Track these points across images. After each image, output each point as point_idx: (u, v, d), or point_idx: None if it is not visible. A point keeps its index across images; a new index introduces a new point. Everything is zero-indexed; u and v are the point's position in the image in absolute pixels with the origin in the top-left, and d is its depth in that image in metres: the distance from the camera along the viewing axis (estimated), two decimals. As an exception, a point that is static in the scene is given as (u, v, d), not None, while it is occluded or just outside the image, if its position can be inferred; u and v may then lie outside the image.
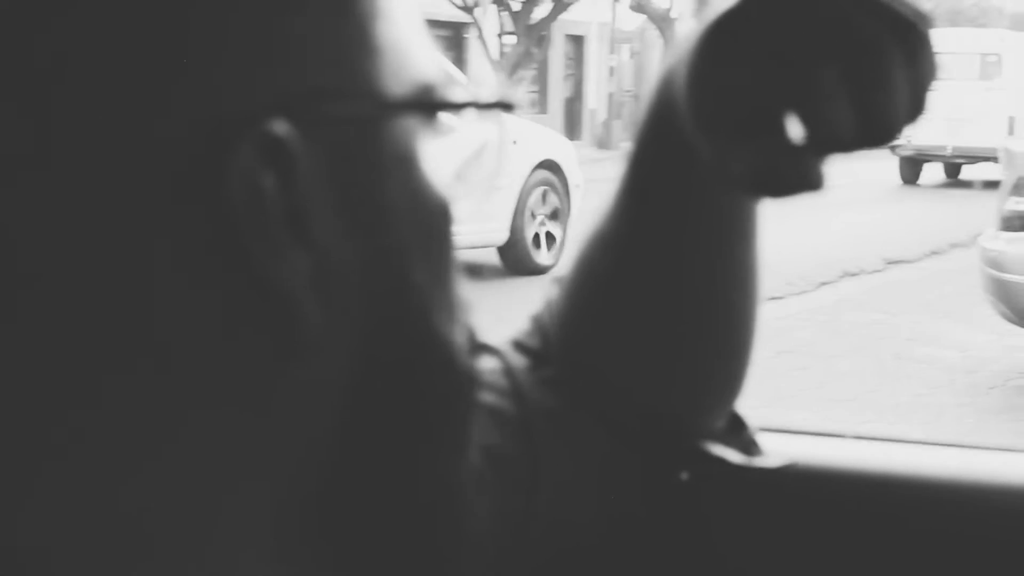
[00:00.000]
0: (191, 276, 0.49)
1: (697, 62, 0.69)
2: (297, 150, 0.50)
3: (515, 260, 10.43)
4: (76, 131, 0.48)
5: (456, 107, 0.58)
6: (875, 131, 0.65)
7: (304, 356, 0.52)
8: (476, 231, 9.13)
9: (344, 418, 0.55)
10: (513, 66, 23.74)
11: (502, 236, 10.22)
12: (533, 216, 10.57)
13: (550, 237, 10.69)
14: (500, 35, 25.98)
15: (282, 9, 0.52)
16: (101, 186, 0.48)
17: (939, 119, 17.48)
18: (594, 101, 30.92)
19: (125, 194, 0.48)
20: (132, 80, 0.48)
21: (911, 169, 19.31)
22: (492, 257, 10.15)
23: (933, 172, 19.32)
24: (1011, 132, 18.13)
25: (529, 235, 10.53)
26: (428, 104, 0.57)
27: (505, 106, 0.61)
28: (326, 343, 0.53)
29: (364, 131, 0.54)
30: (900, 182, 18.93)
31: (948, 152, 18.45)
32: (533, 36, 24.57)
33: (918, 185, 19.09)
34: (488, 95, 0.59)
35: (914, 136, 17.53)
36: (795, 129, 0.66)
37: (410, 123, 0.56)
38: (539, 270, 10.16)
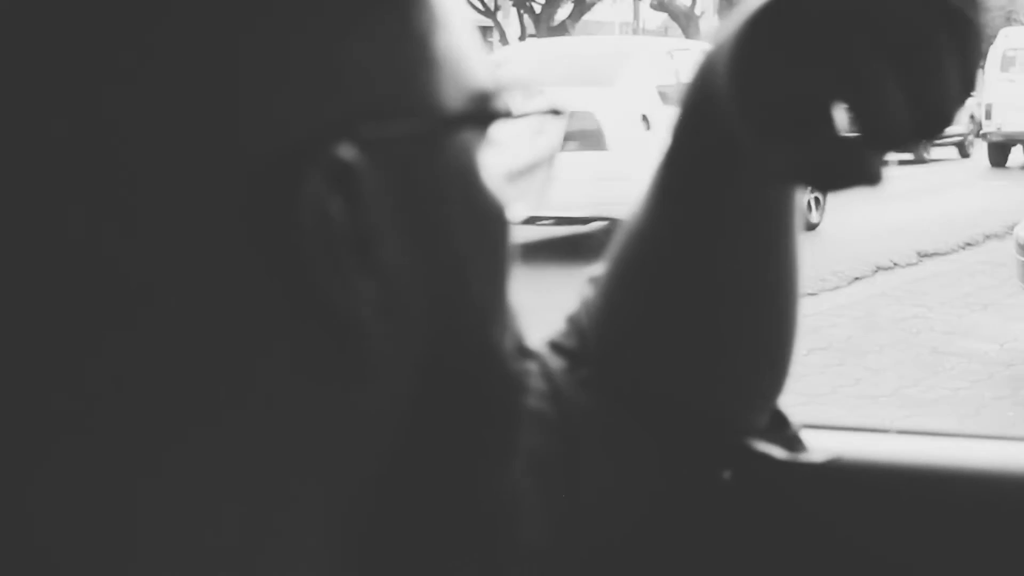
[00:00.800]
0: (257, 306, 0.49)
1: (741, 54, 0.68)
2: (364, 174, 0.50)
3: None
4: (145, 166, 0.47)
5: (512, 115, 0.58)
6: (930, 122, 0.64)
7: (369, 378, 0.52)
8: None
9: (403, 433, 0.55)
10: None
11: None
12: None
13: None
14: (522, 38, 26.03)
15: (344, 31, 0.51)
16: (173, 221, 0.48)
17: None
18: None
19: (196, 228, 0.48)
20: (199, 113, 0.48)
21: (999, 153, 20.75)
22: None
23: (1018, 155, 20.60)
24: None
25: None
26: (486, 114, 0.57)
27: (556, 111, 0.60)
28: (390, 364, 0.53)
29: (425, 147, 0.54)
30: (989, 165, 20.47)
31: None
32: (555, 38, 24.62)
33: (1006, 167, 20.31)
34: (539, 99, 0.59)
35: (1003, 123, 19.92)
36: (844, 121, 0.66)
37: (468, 134, 0.56)
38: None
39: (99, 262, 0.47)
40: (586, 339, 0.85)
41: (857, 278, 9.52)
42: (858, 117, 0.65)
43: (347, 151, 0.49)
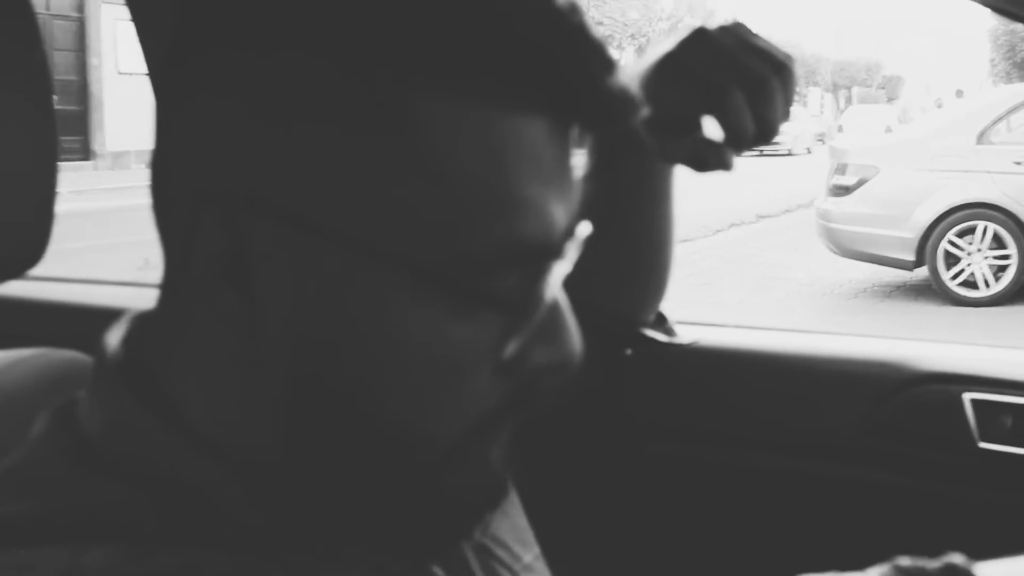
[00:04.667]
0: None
1: (647, 86, 0.68)
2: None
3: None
4: None
5: None
6: (766, 133, 0.66)
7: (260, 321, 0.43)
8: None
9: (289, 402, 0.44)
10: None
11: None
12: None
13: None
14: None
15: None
16: None
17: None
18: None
19: None
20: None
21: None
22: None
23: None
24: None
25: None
26: None
27: None
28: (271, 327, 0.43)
29: None
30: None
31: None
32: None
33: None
34: None
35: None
36: (712, 129, 0.67)
37: None
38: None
39: None
40: None
41: (718, 230, 9.51)
42: (722, 127, 0.66)
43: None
